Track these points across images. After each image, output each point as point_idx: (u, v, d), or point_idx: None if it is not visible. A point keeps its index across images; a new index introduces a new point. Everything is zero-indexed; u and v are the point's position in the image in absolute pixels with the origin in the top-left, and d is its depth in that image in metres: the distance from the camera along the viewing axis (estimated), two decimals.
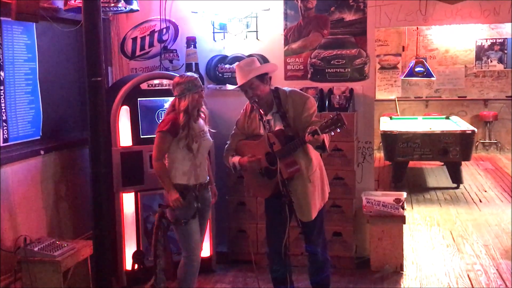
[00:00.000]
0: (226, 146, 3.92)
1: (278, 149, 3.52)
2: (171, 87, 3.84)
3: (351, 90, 4.99)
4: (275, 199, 3.67)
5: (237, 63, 3.83)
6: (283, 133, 3.60)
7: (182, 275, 3.86)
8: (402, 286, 4.65)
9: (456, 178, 8.29)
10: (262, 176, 3.71)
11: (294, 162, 3.58)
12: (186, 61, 5.08)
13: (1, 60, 4.00)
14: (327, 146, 3.50)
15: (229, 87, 3.85)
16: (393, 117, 10.31)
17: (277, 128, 3.65)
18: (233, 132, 3.91)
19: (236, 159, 3.79)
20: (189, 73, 3.85)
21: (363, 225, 5.07)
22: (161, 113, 4.63)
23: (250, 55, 5.04)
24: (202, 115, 3.91)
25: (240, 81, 3.63)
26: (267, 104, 3.68)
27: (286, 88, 3.77)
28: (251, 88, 3.60)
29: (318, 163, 3.79)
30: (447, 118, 9.97)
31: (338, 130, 3.36)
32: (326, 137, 3.43)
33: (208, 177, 3.97)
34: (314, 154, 3.72)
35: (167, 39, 5.26)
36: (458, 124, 9.08)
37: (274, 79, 3.74)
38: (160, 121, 3.88)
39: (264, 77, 3.63)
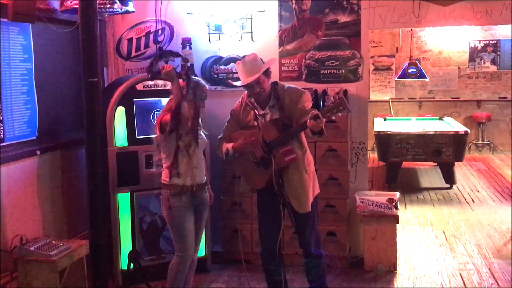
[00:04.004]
0: (219, 136, 3.94)
1: (275, 137, 3.56)
2: (167, 88, 3.85)
3: (345, 91, 5.03)
4: (268, 193, 3.70)
5: (239, 60, 3.84)
6: (281, 121, 3.65)
7: (173, 275, 3.87)
8: (395, 285, 4.69)
9: (449, 178, 8.34)
10: (257, 166, 3.73)
11: (291, 150, 3.63)
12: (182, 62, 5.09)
13: None
14: (324, 130, 3.44)
15: (236, 83, 3.87)
16: (387, 118, 10.36)
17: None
18: (227, 123, 3.94)
19: (229, 145, 3.80)
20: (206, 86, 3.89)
21: (357, 225, 5.10)
22: (156, 113, 4.64)
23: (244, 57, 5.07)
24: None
25: (248, 77, 3.64)
26: (265, 98, 3.74)
27: (283, 84, 3.84)
28: (257, 84, 3.64)
29: (310, 155, 3.88)
30: (441, 119, 10.04)
31: (340, 114, 3.36)
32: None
33: (205, 178, 4.00)
34: (308, 147, 3.79)
35: (163, 40, 5.29)
36: (451, 125, 9.14)
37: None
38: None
39: (268, 72, 3.70)
